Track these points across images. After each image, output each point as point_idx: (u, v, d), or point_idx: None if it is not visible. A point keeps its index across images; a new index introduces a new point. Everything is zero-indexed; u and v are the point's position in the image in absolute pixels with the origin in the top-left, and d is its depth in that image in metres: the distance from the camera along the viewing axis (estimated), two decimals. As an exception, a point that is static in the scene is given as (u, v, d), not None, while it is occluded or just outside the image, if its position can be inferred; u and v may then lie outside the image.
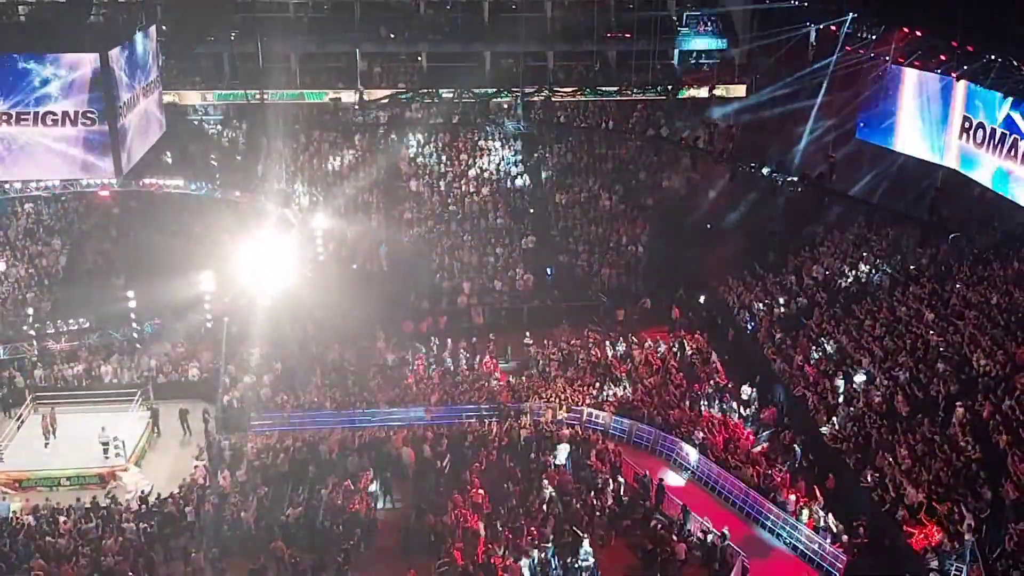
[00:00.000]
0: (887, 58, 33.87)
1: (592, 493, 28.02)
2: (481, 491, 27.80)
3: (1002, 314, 29.36)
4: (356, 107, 45.51)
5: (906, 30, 33.09)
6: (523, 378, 34.73)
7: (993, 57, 28.67)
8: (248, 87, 42.52)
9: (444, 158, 46.69)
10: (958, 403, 27.00)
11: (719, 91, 44.52)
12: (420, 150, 47.09)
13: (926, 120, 32.91)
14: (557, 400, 32.96)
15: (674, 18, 45.50)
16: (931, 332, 30.39)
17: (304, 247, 39.72)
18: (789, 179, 32.28)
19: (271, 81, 43.22)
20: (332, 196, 43.67)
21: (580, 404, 32.91)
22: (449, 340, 36.80)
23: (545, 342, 36.96)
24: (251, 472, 29.21)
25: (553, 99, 45.81)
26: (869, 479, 26.80)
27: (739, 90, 44.69)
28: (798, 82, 40.67)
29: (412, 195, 45.04)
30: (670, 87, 44.61)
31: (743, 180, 38.50)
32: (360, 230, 42.41)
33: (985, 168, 30.38)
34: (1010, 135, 28.94)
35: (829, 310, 34.87)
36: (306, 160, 45.86)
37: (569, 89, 45.29)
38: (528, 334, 37.72)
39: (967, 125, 30.78)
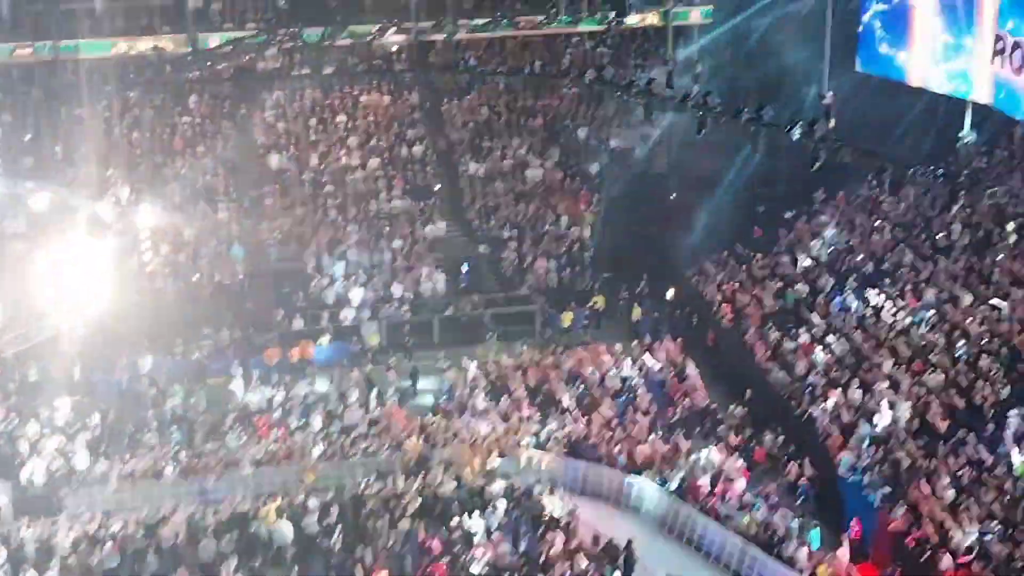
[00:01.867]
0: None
1: (540, 568, 27.69)
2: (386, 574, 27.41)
3: (1059, 290, 29.95)
4: (188, 58, 44.71)
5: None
6: (438, 415, 34.40)
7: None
8: (34, 37, 41.48)
9: (315, 122, 46.31)
10: (1012, 411, 27.45)
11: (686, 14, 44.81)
12: (282, 112, 46.40)
13: (945, 43, 33.38)
14: (486, 443, 32.66)
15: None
16: (970, 319, 30.80)
17: (126, 254, 39.13)
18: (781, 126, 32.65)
19: (67, 29, 42.20)
20: (162, 181, 43.08)
21: (518, 446, 32.67)
22: (335, 370, 36.36)
23: (466, 364, 36.75)
24: (65, 572, 28.16)
25: (456, 37, 45.61)
26: (901, 519, 27.00)
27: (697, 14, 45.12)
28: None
29: (274, 175, 44.75)
30: (614, 13, 44.71)
31: (717, 133, 38.62)
32: (203, 226, 41.99)
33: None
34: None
35: (837, 297, 35.18)
36: (124, 134, 44.89)
37: (480, 21, 45.10)
38: (442, 354, 37.63)
39: (1000, 46, 31.22)
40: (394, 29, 45.42)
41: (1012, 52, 30.64)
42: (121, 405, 35.00)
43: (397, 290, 40.84)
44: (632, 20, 45.30)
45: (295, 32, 44.54)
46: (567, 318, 39.99)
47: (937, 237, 35.20)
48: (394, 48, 47.63)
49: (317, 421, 34.14)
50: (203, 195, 43.24)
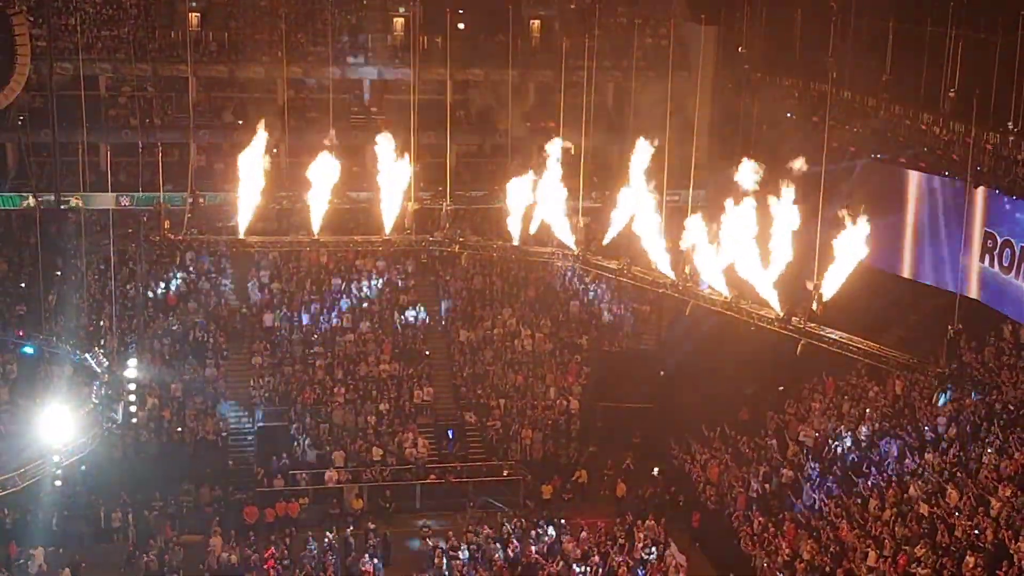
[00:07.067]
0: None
1: None
2: None
3: (1046, 489, 29.76)
4: (188, 214, 45.03)
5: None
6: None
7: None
8: (38, 189, 42.00)
9: (309, 282, 46.49)
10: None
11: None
12: (276, 272, 46.84)
13: (937, 237, 34.04)
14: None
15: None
16: (956, 514, 30.59)
17: (111, 406, 38.98)
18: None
19: (70, 181, 42.78)
20: (153, 335, 43.17)
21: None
22: (310, 534, 35.87)
23: (448, 533, 36.33)
24: None
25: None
26: None
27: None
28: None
29: (264, 333, 44.76)
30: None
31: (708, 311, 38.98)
32: (191, 381, 41.91)
33: (1016, 299, 31.32)
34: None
35: (823, 486, 34.94)
36: (118, 286, 45.06)
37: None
38: (423, 521, 37.44)
39: (990, 244, 31.87)
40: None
41: (1001, 251, 31.34)
42: (93, 559, 34.44)
43: (379, 454, 40.50)
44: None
45: (293, 194, 44.86)
46: (548, 490, 39.62)
47: (924, 429, 35.17)
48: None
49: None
50: (192, 350, 43.22)
